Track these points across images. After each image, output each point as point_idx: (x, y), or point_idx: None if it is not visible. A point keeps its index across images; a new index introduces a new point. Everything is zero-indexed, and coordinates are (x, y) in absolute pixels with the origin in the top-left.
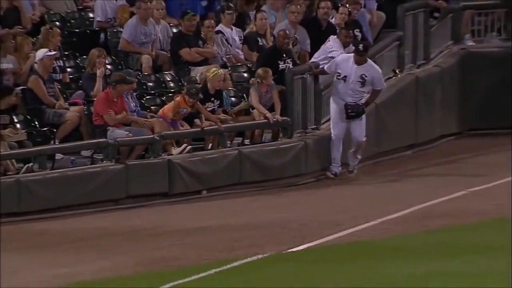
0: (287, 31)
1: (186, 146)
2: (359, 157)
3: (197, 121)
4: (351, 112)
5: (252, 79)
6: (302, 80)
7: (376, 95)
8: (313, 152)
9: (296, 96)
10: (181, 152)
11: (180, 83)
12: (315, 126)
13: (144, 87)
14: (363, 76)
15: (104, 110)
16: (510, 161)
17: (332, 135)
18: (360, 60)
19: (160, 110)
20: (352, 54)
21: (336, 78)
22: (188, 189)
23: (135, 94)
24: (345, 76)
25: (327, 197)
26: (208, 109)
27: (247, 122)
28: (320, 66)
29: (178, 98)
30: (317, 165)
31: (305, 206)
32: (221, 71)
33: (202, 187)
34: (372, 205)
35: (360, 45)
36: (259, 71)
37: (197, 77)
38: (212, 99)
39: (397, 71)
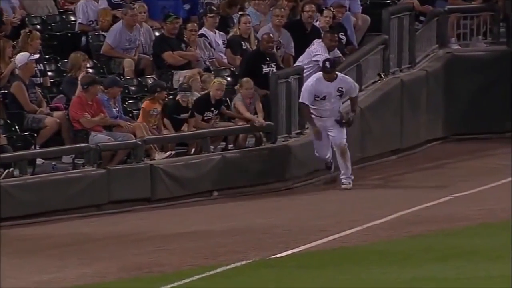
0: (271, 35)
1: (171, 153)
2: (349, 165)
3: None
4: (343, 122)
5: (237, 86)
6: (286, 84)
7: (356, 102)
8: (297, 157)
9: (280, 100)
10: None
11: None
12: (299, 131)
13: (126, 91)
14: (340, 89)
15: (79, 113)
16: (497, 166)
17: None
18: (331, 77)
19: (139, 119)
20: (320, 73)
21: (315, 99)
22: (171, 194)
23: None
24: (324, 96)
25: (312, 202)
26: (206, 118)
27: (231, 127)
28: (305, 71)
29: (143, 104)
30: (301, 170)
31: (289, 211)
32: (222, 80)
33: (185, 192)
34: (357, 211)
35: (327, 62)
36: (242, 80)
37: (180, 80)
38: (212, 108)
39: (382, 75)
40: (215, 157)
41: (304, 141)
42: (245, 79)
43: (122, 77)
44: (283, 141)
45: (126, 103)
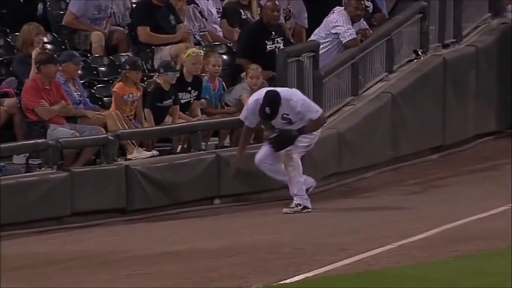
0: (277, 2)
1: (153, 153)
2: (299, 178)
3: None
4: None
5: (243, 73)
6: (298, 63)
7: (314, 124)
8: (311, 157)
9: (289, 85)
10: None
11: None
12: None
13: (95, 72)
14: (285, 115)
15: (34, 101)
16: None
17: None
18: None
19: (111, 108)
20: (262, 94)
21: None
22: (151, 203)
23: (81, 81)
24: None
25: (329, 213)
26: (183, 101)
27: (226, 118)
28: (321, 47)
29: (115, 87)
30: (316, 173)
31: (301, 225)
32: (198, 50)
33: (170, 201)
34: (387, 224)
35: (267, 109)
36: (249, 66)
37: (162, 58)
38: (189, 88)
39: (419, 52)
40: (208, 156)
41: (321, 136)
42: (253, 65)
43: (89, 54)
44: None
45: (95, 87)
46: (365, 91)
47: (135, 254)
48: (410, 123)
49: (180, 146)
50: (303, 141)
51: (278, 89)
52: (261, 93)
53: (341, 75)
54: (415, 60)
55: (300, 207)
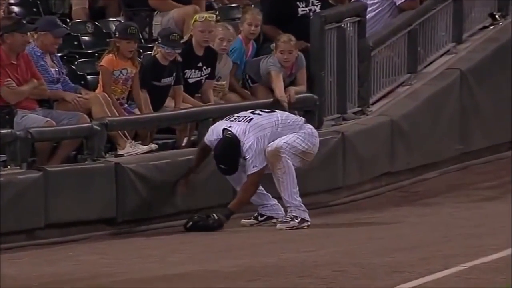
0: None
1: (151, 147)
2: (291, 184)
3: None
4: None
5: (273, 44)
6: (338, 31)
7: (247, 190)
8: (355, 151)
9: (327, 58)
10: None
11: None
12: (359, 109)
13: (76, 43)
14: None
15: None
16: None
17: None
18: None
19: (97, 89)
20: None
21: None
22: (148, 213)
23: (58, 55)
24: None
25: (378, 225)
26: (191, 80)
27: (244, 102)
28: (369, 11)
29: (103, 61)
30: (361, 174)
31: (341, 240)
32: (207, 14)
33: (172, 209)
34: (454, 240)
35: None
36: (280, 37)
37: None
38: (199, 64)
39: (496, 16)
40: None
41: (367, 126)
42: (283, 36)
43: (68, 20)
44: (333, 125)
45: (76, 62)
46: (425, 67)
47: (127, 278)
48: (484, 108)
49: (186, 138)
50: (296, 141)
51: (235, 128)
52: (218, 131)
53: (394, 47)
54: (491, 27)
55: (297, 220)
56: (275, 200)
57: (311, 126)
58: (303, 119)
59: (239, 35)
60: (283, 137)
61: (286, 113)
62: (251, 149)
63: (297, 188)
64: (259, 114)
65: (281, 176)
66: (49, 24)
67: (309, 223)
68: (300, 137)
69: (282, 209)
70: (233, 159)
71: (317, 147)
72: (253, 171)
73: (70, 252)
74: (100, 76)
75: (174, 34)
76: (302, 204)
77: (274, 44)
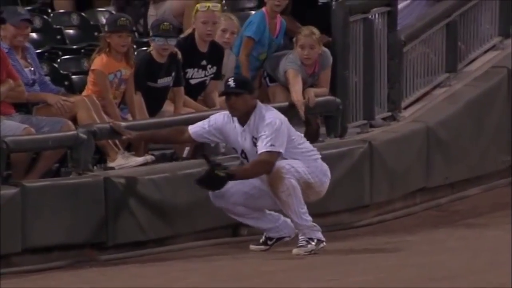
0: None
1: (147, 159)
2: (297, 204)
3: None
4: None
5: (294, 39)
6: (365, 23)
7: (256, 167)
8: (383, 163)
9: (352, 54)
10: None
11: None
12: (389, 114)
13: (59, 37)
14: (254, 140)
15: None
16: None
17: None
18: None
19: (84, 92)
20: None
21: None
22: (143, 235)
23: (37, 51)
24: (244, 154)
25: (413, 251)
26: (194, 81)
27: None
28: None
29: (95, 63)
30: (391, 190)
31: (368, 267)
32: (210, 3)
33: (171, 231)
34: (502, 267)
35: (230, 80)
36: (302, 30)
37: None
38: (203, 62)
39: None
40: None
41: (398, 134)
42: (305, 30)
43: (50, 10)
44: (358, 132)
45: (59, 60)
46: (467, 65)
47: None
48: None
49: (187, 148)
50: (302, 168)
51: None
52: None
53: (430, 41)
54: None
55: (313, 243)
56: (281, 216)
57: (325, 164)
58: (319, 155)
59: (263, 8)
60: (287, 160)
61: (305, 139)
62: (271, 126)
63: (306, 207)
64: None
65: (286, 199)
66: (7, 13)
67: (324, 244)
68: (308, 168)
69: (291, 225)
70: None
71: (325, 188)
72: (269, 149)
73: (52, 281)
74: (91, 80)
75: (165, 23)
76: (314, 224)
77: (295, 38)
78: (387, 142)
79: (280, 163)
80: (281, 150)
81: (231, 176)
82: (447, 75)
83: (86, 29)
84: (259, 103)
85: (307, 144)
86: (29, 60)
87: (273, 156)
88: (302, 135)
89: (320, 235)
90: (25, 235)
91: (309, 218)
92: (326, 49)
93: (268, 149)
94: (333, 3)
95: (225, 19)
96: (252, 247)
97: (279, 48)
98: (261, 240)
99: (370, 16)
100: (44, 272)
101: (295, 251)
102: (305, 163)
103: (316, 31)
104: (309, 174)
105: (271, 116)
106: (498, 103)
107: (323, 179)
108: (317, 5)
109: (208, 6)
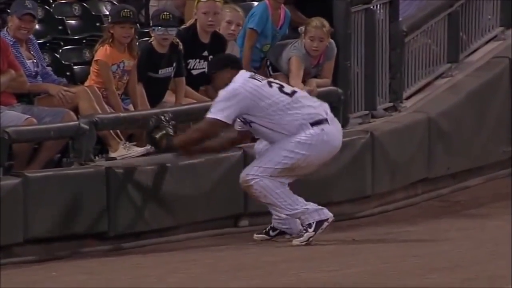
0: None
1: (147, 149)
2: (279, 199)
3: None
4: None
5: (301, 27)
6: (367, 14)
7: (193, 134)
8: (384, 154)
9: (354, 46)
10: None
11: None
12: (390, 104)
13: (60, 27)
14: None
15: None
16: None
17: None
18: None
19: (86, 82)
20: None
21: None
22: (145, 225)
23: (39, 41)
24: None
25: (413, 241)
26: (195, 72)
27: None
28: None
29: (98, 54)
30: (393, 180)
31: (368, 257)
32: None
33: (173, 222)
34: (502, 258)
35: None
36: (311, 20)
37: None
38: (205, 53)
39: None
40: (231, 154)
41: (400, 124)
42: (315, 21)
43: (52, 0)
44: (360, 123)
45: (60, 50)
46: (468, 55)
47: None
48: None
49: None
50: (266, 162)
51: None
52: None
53: (432, 32)
54: None
55: (311, 229)
56: (310, 204)
57: (326, 128)
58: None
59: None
60: (250, 164)
61: (309, 100)
62: (221, 93)
63: (293, 196)
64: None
65: (265, 200)
66: (15, 5)
67: (329, 218)
68: (285, 149)
69: (297, 222)
70: None
71: (318, 158)
72: (206, 115)
73: (53, 272)
74: (94, 71)
75: (165, 13)
76: (307, 206)
77: (302, 28)
78: (389, 133)
79: (243, 172)
80: (218, 117)
81: (170, 141)
82: (449, 66)
83: (87, 20)
84: (240, 73)
85: (298, 111)
86: (32, 52)
87: (209, 122)
88: (301, 95)
89: (316, 215)
90: (27, 225)
91: (299, 204)
92: (331, 40)
93: (206, 115)
94: None
95: (230, 11)
96: (256, 236)
97: (283, 39)
98: (264, 230)
99: (371, 7)
100: (46, 263)
101: (294, 242)
102: (282, 142)
103: (326, 23)
104: (284, 157)
105: (231, 84)
106: (499, 93)
107: (313, 150)
108: None
109: None
